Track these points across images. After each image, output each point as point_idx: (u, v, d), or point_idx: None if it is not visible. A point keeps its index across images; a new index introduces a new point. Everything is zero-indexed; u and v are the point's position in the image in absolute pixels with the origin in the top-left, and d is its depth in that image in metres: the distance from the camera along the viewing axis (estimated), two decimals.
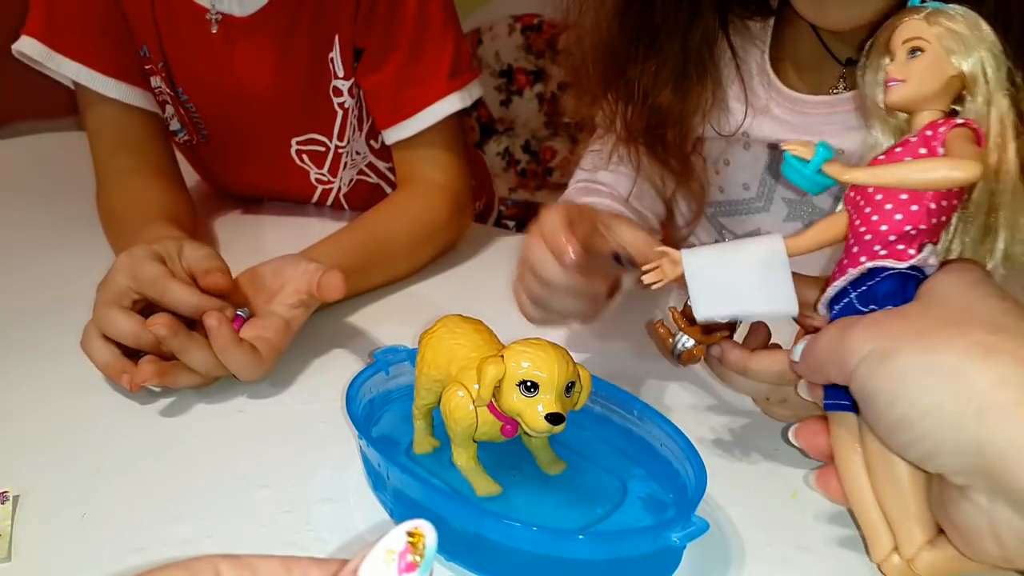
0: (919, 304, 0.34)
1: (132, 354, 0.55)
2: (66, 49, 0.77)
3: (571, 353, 0.41)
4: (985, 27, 0.36)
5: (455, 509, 0.40)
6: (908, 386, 0.32)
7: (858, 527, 0.40)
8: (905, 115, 0.39)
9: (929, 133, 0.36)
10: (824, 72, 0.65)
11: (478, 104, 0.91)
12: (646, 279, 0.43)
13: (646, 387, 0.57)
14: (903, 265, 0.36)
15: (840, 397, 0.37)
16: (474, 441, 0.43)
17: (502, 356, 0.40)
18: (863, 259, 0.37)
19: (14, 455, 0.50)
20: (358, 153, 0.90)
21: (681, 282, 0.42)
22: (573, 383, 0.40)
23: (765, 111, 0.66)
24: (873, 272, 0.37)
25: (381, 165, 0.93)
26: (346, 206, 0.95)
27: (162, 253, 0.57)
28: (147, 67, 0.82)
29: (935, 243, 0.37)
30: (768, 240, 0.40)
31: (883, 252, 0.36)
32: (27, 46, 0.77)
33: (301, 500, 0.45)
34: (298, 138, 0.87)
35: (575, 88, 0.71)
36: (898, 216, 0.36)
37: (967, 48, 0.35)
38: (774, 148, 0.67)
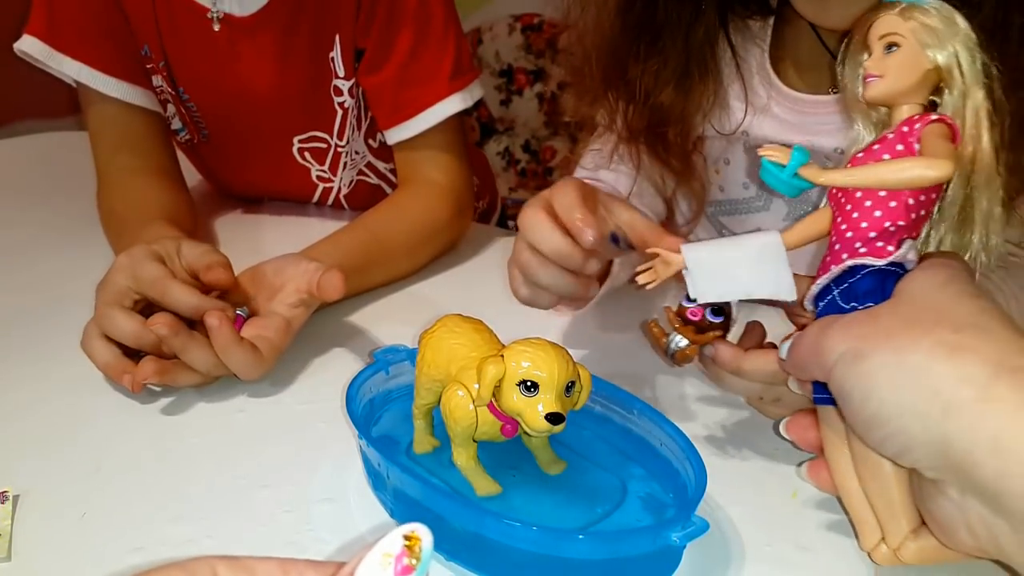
0: (891, 304, 0.35)
1: (132, 354, 0.55)
2: (68, 48, 0.77)
3: (571, 353, 0.41)
4: (960, 21, 0.36)
5: (455, 509, 0.40)
6: (878, 385, 0.33)
7: (849, 518, 0.40)
8: (886, 109, 0.39)
9: (906, 129, 0.37)
10: (824, 71, 0.65)
11: (478, 104, 0.92)
12: (640, 279, 0.44)
13: (646, 387, 0.57)
14: (882, 262, 0.37)
15: (826, 392, 0.38)
16: (474, 441, 0.43)
17: (502, 356, 0.40)
18: (844, 256, 0.38)
19: (14, 455, 0.50)
20: (357, 153, 0.90)
21: (676, 280, 0.42)
22: (573, 383, 0.40)
23: (765, 110, 0.66)
24: (854, 269, 0.37)
25: (381, 165, 0.93)
26: (346, 207, 0.95)
27: (161, 253, 0.57)
28: (148, 66, 0.82)
29: (915, 238, 0.37)
30: (765, 234, 0.41)
31: (863, 249, 0.37)
32: (29, 45, 0.77)
33: (301, 500, 0.45)
34: (299, 136, 0.87)
35: (576, 87, 0.71)
36: (877, 213, 0.37)
37: (941, 41, 0.36)
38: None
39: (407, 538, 0.22)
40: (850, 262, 0.37)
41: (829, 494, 0.41)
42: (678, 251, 0.43)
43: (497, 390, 0.39)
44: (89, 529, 0.43)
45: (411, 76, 0.80)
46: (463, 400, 0.41)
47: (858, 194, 0.37)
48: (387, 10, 0.78)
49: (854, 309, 0.37)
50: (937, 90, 0.37)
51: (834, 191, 0.39)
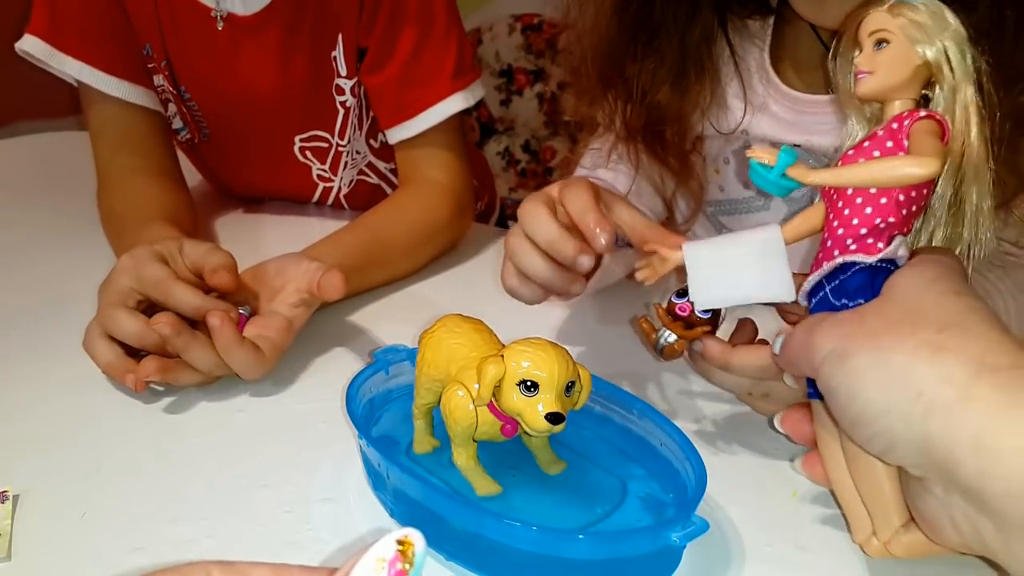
0: (878, 303, 0.35)
1: (133, 355, 0.55)
2: (69, 48, 0.77)
3: (570, 352, 0.41)
4: (950, 16, 0.36)
5: (455, 509, 0.40)
6: (863, 384, 0.33)
7: (842, 511, 0.41)
8: (879, 104, 0.39)
9: (895, 126, 0.37)
10: (822, 71, 0.65)
11: (478, 104, 0.92)
12: (638, 276, 0.44)
13: (646, 387, 0.57)
14: (872, 259, 0.37)
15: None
16: (474, 441, 0.43)
17: (502, 356, 0.40)
18: (836, 253, 0.38)
19: (14, 455, 0.50)
20: (358, 152, 0.90)
21: (671, 275, 0.42)
22: (573, 383, 0.40)
23: (764, 109, 0.66)
24: (845, 267, 0.38)
25: (381, 165, 0.93)
26: (346, 206, 0.95)
27: (164, 253, 0.57)
28: (150, 66, 0.82)
29: (906, 234, 0.38)
30: (765, 230, 0.41)
31: (854, 246, 0.37)
32: (30, 45, 0.77)
33: (301, 500, 0.45)
34: (301, 135, 0.87)
35: (575, 87, 0.71)
36: (868, 210, 0.37)
37: (929, 37, 0.36)
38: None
39: (400, 543, 0.22)
40: (840, 259, 0.38)
41: (823, 487, 0.42)
42: (678, 248, 0.43)
43: (497, 390, 0.39)
44: (89, 529, 0.43)
45: (413, 75, 0.80)
46: (463, 400, 0.41)
47: (849, 191, 0.38)
48: (390, 9, 0.78)
49: (845, 306, 0.37)
50: (929, 84, 0.38)
51: (827, 187, 0.40)
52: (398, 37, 0.79)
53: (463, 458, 0.43)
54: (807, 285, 0.40)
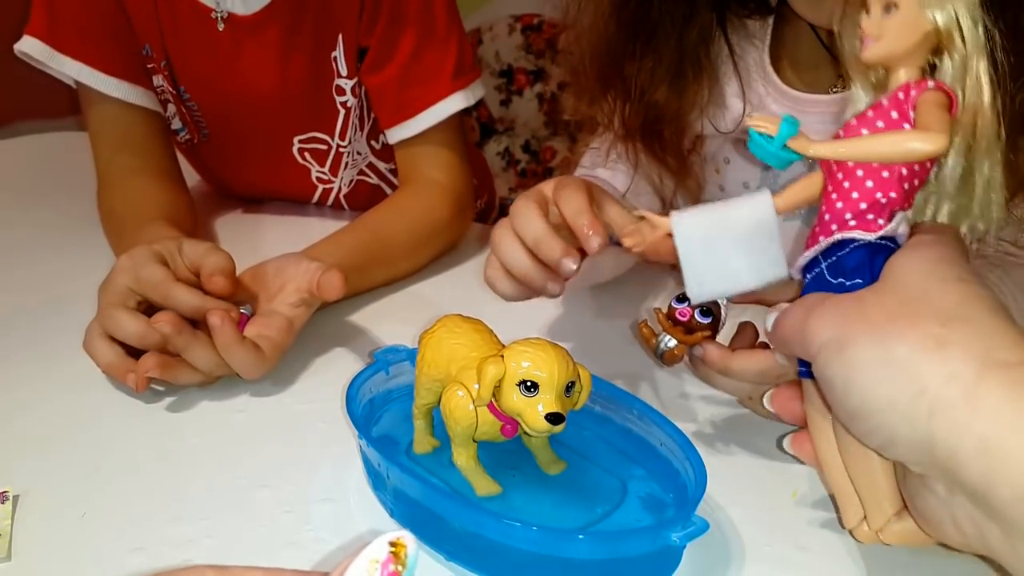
0: (878, 290, 0.34)
1: (134, 355, 0.55)
2: (68, 49, 0.77)
3: (571, 353, 0.41)
4: None
5: (455, 509, 0.40)
6: (862, 378, 0.32)
7: (831, 493, 0.40)
8: (883, 69, 0.37)
9: (901, 96, 0.35)
10: (822, 71, 0.65)
11: (478, 104, 0.92)
12: (625, 242, 0.43)
13: (646, 387, 0.57)
14: (871, 237, 0.35)
15: (810, 367, 0.37)
16: (474, 441, 0.43)
17: (502, 356, 0.40)
18: (834, 227, 0.36)
19: (14, 455, 0.50)
20: (359, 153, 0.90)
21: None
22: (573, 383, 0.40)
23: (763, 108, 0.66)
24: (842, 243, 0.36)
25: (382, 166, 0.93)
26: (346, 207, 0.95)
27: (163, 253, 0.57)
28: (149, 66, 0.82)
29: (907, 209, 0.36)
30: (757, 203, 0.39)
31: (853, 222, 0.36)
32: (29, 46, 0.77)
33: (301, 500, 0.45)
34: (300, 136, 0.87)
35: (575, 87, 0.72)
36: (869, 183, 0.35)
37: (940, 0, 0.34)
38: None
39: (393, 544, 0.22)
40: (838, 236, 0.36)
41: (812, 466, 0.40)
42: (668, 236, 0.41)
43: (497, 390, 0.39)
44: (89, 529, 0.43)
45: (414, 75, 0.80)
46: (463, 400, 0.41)
47: (850, 162, 0.36)
48: (390, 10, 0.78)
49: (842, 284, 0.36)
50: (938, 51, 0.36)
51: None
52: (398, 37, 0.79)
53: (463, 458, 0.43)
54: (802, 260, 0.38)
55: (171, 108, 0.86)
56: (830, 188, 0.37)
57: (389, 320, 0.67)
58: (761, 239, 0.39)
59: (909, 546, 0.36)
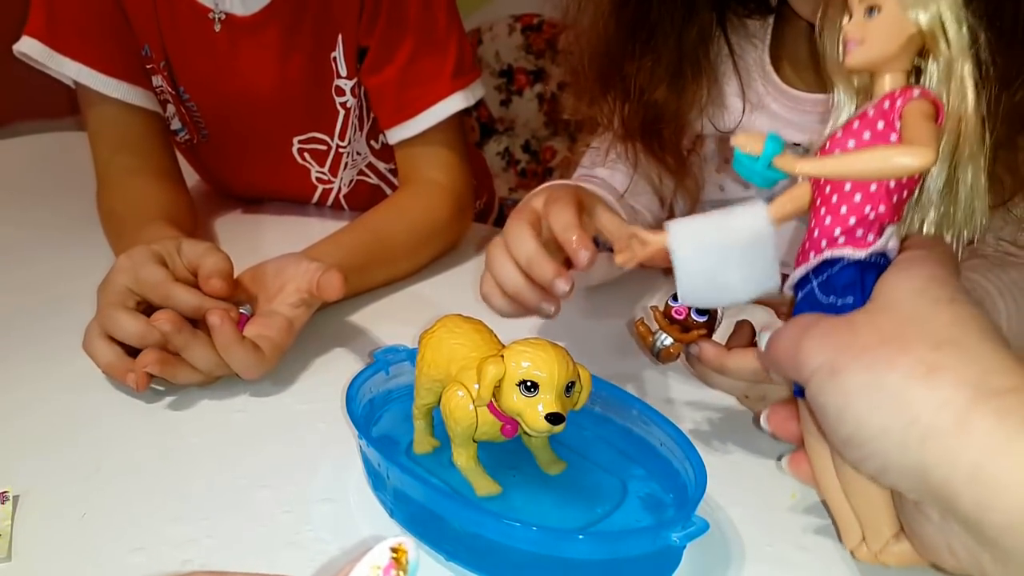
0: (869, 312, 0.33)
1: (133, 355, 0.55)
2: (67, 49, 0.77)
3: (571, 353, 0.41)
4: None
5: (455, 509, 0.40)
6: (854, 405, 0.31)
7: (830, 514, 0.40)
8: (868, 74, 0.37)
9: (887, 105, 0.35)
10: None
11: (478, 104, 0.92)
12: (617, 260, 0.43)
13: (646, 387, 0.57)
14: (862, 254, 0.35)
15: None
16: (474, 441, 0.43)
17: (502, 356, 0.40)
18: (823, 243, 0.36)
19: (14, 455, 0.50)
20: (359, 153, 0.90)
21: (655, 261, 0.41)
22: (573, 383, 0.40)
23: (763, 108, 0.67)
24: (833, 260, 0.36)
25: (381, 166, 0.93)
26: (346, 207, 0.95)
27: (162, 253, 0.57)
28: (148, 66, 0.82)
29: (896, 222, 0.36)
30: (753, 215, 0.39)
31: (842, 239, 0.35)
32: (28, 46, 0.77)
33: (301, 500, 0.45)
34: (299, 137, 0.87)
35: (574, 87, 0.72)
36: (857, 196, 0.35)
37: (923, 1, 0.34)
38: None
39: (394, 550, 0.22)
40: (827, 253, 0.36)
41: (811, 487, 0.40)
42: (661, 232, 0.41)
43: (497, 390, 0.39)
44: (89, 529, 0.43)
45: (414, 75, 0.80)
46: (463, 400, 0.41)
47: None
48: (390, 10, 0.78)
49: (833, 304, 0.36)
50: (923, 54, 0.35)
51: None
52: (398, 38, 0.79)
53: (463, 458, 0.43)
54: (793, 278, 0.38)
55: (170, 108, 0.86)
56: (818, 200, 0.37)
57: (389, 320, 0.67)
58: (756, 251, 0.39)
59: (908, 566, 0.36)
